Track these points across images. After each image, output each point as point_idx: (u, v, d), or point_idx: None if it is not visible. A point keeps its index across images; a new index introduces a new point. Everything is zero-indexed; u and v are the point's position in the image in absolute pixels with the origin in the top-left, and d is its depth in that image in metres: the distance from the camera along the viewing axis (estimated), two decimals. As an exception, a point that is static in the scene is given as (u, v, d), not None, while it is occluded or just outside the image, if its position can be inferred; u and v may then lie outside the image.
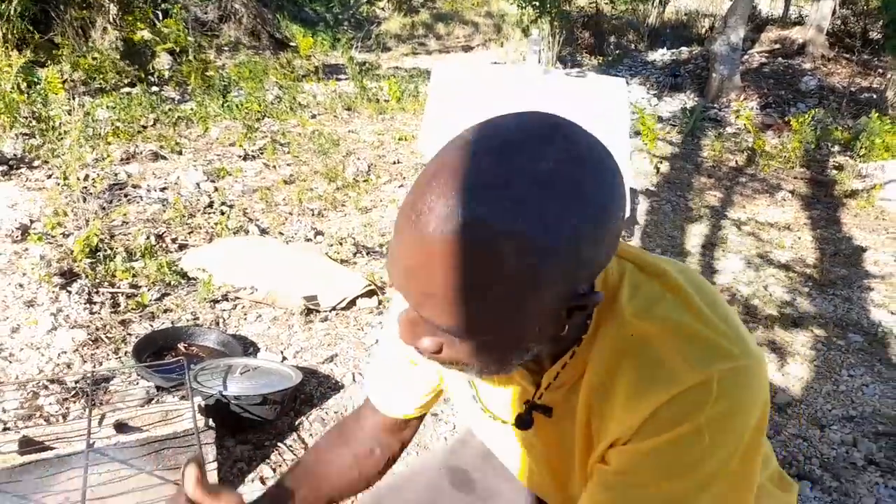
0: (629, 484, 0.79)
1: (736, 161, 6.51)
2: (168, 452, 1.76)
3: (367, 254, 3.65)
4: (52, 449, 1.68)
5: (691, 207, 5.16)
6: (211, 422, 1.83)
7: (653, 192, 5.36)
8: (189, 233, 3.67)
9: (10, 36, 5.55)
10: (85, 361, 2.45)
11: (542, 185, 0.64)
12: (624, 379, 0.79)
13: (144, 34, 7.18)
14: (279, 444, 2.13)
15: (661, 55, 10.66)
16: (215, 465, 1.81)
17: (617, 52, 11.22)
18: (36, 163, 4.36)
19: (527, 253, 0.64)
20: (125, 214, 3.66)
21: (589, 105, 3.88)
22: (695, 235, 4.59)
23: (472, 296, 0.66)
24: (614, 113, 3.93)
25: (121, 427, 1.78)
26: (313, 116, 6.42)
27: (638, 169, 5.60)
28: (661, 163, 5.64)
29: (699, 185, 5.72)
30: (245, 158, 4.96)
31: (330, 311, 3.02)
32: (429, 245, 0.65)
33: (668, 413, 0.75)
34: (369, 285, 3.16)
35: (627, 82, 7.03)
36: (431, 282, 0.67)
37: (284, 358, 2.65)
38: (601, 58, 11.01)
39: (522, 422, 0.94)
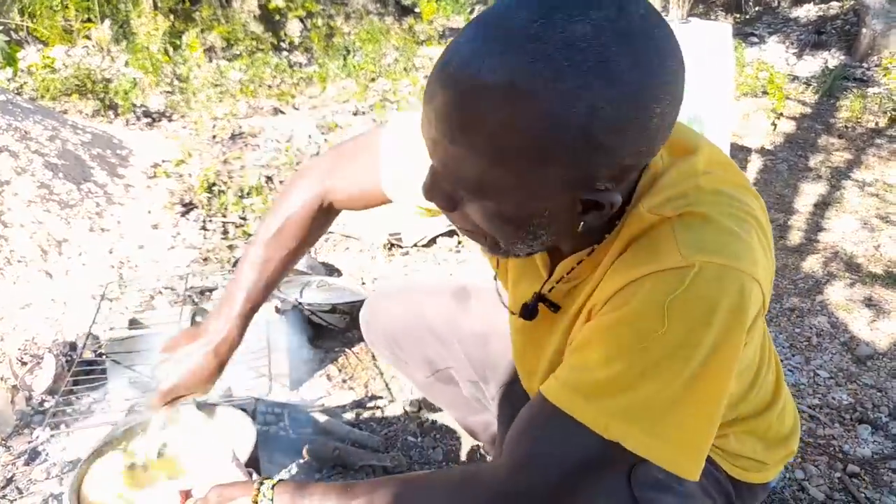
0: (576, 366, 0.78)
1: (876, 122, 5.97)
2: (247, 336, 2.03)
3: (456, 199, 3.81)
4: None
5: (811, 167, 4.84)
6: (283, 318, 2.08)
7: (768, 150, 5.08)
8: (297, 176, 4.00)
9: (160, 4, 6.18)
10: (195, 275, 2.81)
11: (569, 48, 0.59)
12: (617, 263, 0.78)
13: (279, 2, 7.70)
14: (346, 350, 2.36)
15: (805, 11, 9.84)
16: (286, 353, 2.06)
17: (757, 8, 10.47)
18: (174, 116, 4.90)
19: (537, 115, 0.62)
20: (241, 158, 4.05)
21: (691, 50, 3.77)
22: (808, 195, 4.33)
23: (482, 149, 0.65)
24: (717, 58, 3.79)
25: (207, 317, 2.07)
26: (426, 77, 6.62)
27: (755, 127, 5.32)
28: (778, 119, 5.31)
29: (825, 145, 5.33)
30: (356, 114, 5.26)
31: (411, 247, 3.22)
32: (449, 87, 0.64)
33: (636, 288, 0.74)
34: (451, 225, 3.31)
35: (764, 40, 6.61)
36: (447, 125, 0.66)
37: (364, 283, 2.88)
38: (737, 15, 10.34)
39: (527, 311, 0.95)
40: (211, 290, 2.71)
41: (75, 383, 1.74)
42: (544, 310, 0.93)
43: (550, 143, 0.63)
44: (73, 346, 2.20)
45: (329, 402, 2.05)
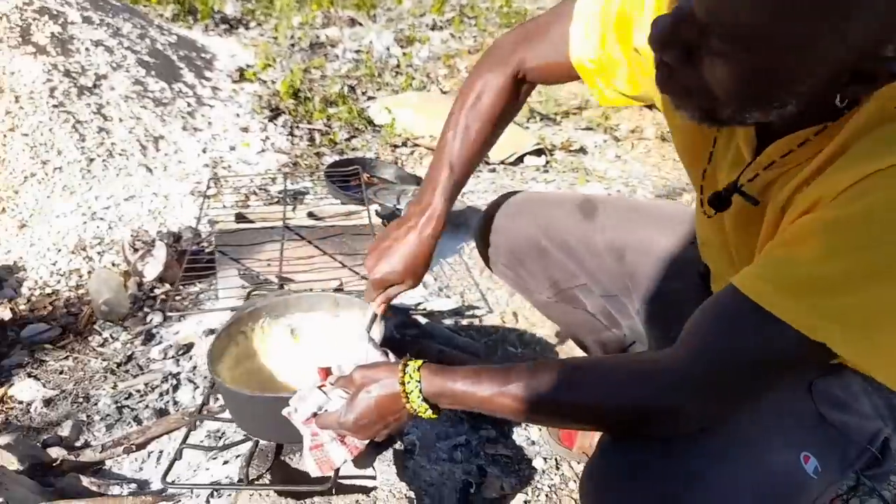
0: (784, 261, 0.72)
1: None
2: (348, 241, 2.03)
3: (540, 119, 3.71)
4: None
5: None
6: (387, 222, 2.07)
7: None
8: (377, 89, 3.94)
9: None
10: (286, 178, 2.82)
11: None
12: (853, 152, 0.70)
13: None
14: (442, 259, 2.35)
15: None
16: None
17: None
18: (251, 24, 4.84)
19: None
20: (322, 67, 4.00)
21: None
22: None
23: None
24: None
25: (311, 216, 2.07)
26: (503, -6, 6.37)
27: None
28: None
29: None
30: (433, 28, 5.11)
31: (498, 164, 3.16)
32: None
33: (875, 183, 0.66)
34: (539, 144, 3.23)
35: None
36: None
37: (453, 196, 2.85)
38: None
39: (719, 201, 0.87)
40: (303, 195, 2.72)
41: (186, 272, 1.77)
42: (739, 201, 0.86)
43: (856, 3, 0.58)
44: (177, 238, 2.24)
45: (427, 308, 2.05)
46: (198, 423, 1.46)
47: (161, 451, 1.47)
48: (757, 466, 0.80)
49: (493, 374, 0.87)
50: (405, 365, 0.92)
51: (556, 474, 1.53)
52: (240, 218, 2.03)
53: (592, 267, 1.28)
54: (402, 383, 0.91)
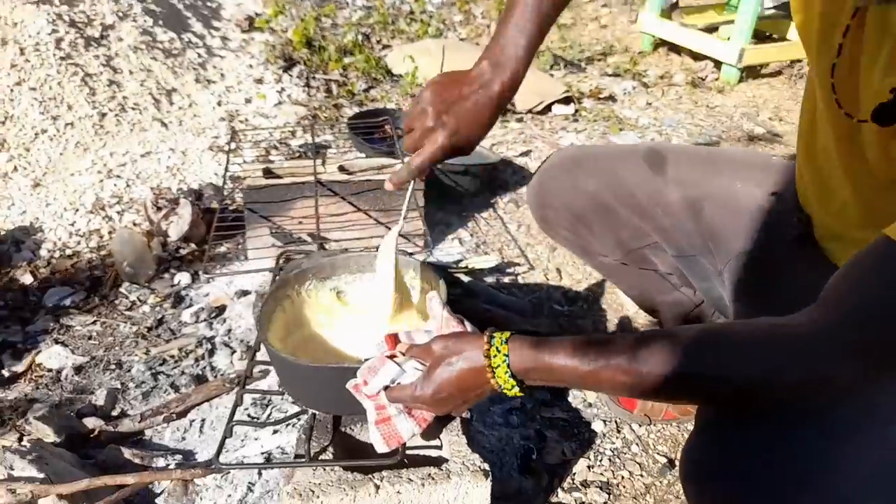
0: None
1: None
2: (383, 196, 1.92)
3: (564, 66, 3.55)
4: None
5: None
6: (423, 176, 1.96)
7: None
8: (392, 37, 3.76)
9: None
10: (305, 132, 2.69)
11: None
12: None
13: None
14: (476, 215, 2.25)
15: None
16: (418, 214, 1.95)
17: None
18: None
19: None
20: (333, 14, 3.81)
21: None
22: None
23: None
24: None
25: (342, 170, 1.95)
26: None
27: None
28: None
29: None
30: (445, -26, 4.89)
31: (525, 113, 3.02)
32: None
33: None
34: (567, 91, 3.09)
35: None
36: None
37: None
38: None
39: (885, 113, 0.73)
40: (325, 148, 2.60)
41: (212, 230, 1.66)
42: None
43: None
44: (198, 195, 2.14)
45: (469, 265, 1.96)
46: (244, 396, 1.37)
47: (203, 420, 1.39)
48: (886, 442, 0.71)
49: (596, 347, 0.77)
50: (490, 336, 0.83)
51: (617, 437, 1.45)
52: (268, 173, 1.91)
53: (665, 225, 1.17)
54: (488, 356, 0.82)
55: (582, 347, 0.77)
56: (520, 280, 1.96)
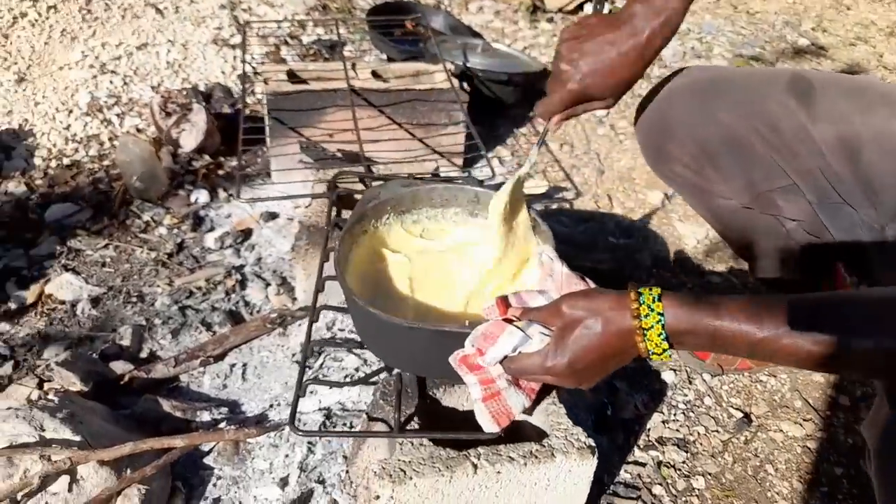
0: None
1: None
2: (422, 108, 1.71)
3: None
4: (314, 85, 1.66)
5: None
6: (466, 85, 1.74)
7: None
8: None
9: None
10: (316, 25, 2.41)
11: None
12: None
13: None
14: (514, 129, 2.05)
15: None
16: (463, 126, 1.75)
17: None
18: None
19: None
20: None
21: None
22: None
23: None
24: None
25: (376, 76, 1.73)
26: None
27: None
28: None
29: None
30: None
31: (556, 13, 2.75)
32: None
33: None
34: (602, -10, 2.81)
35: None
36: None
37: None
38: None
39: None
40: (342, 45, 2.32)
41: (239, 143, 1.44)
42: None
43: None
44: (206, 97, 1.89)
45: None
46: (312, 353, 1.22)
47: (245, 365, 1.25)
48: None
49: (767, 310, 0.66)
50: (638, 293, 0.71)
51: (689, 389, 1.36)
52: (292, 77, 1.68)
53: (809, 166, 1.00)
54: (638, 316, 0.70)
55: (752, 310, 0.67)
56: (568, 207, 1.80)
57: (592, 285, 0.86)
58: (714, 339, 0.69)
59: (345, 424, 1.12)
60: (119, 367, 1.20)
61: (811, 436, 1.28)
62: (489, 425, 0.83)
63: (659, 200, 1.84)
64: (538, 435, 0.95)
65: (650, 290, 0.71)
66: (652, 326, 0.69)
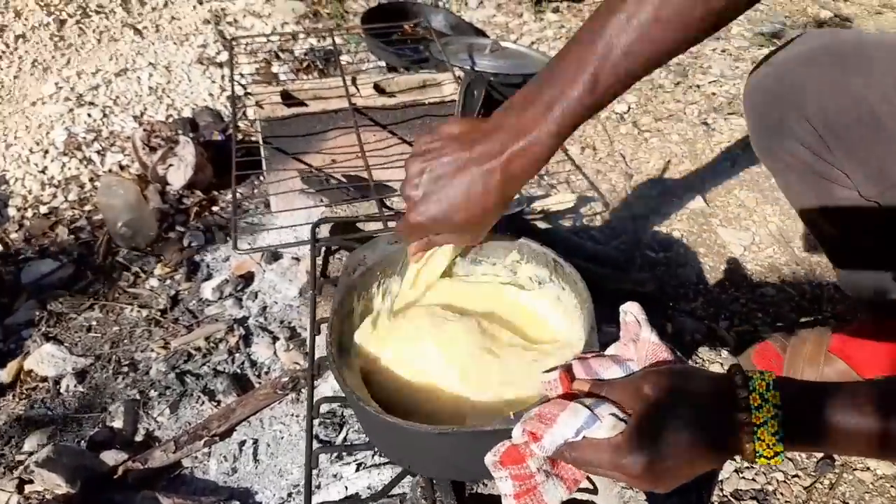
0: None
1: None
2: (431, 125, 1.54)
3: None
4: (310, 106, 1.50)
5: None
6: (477, 92, 1.57)
7: None
8: None
9: None
10: (308, 35, 2.23)
11: None
12: None
13: None
14: (532, 136, 1.88)
15: None
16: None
17: None
18: None
19: None
20: None
21: None
22: None
23: None
24: None
25: (379, 90, 1.56)
26: None
27: None
28: None
29: None
30: None
31: (561, 2, 2.57)
32: None
33: None
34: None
35: None
36: None
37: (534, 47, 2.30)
38: None
39: None
40: (337, 55, 2.15)
41: (233, 178, 1.26)
42: None
43: None
44: (193, 125, 1.73)
45: (545, 207, 1.61)
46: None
47: (255, 442, 1.09)
48: None
49: (881, 398, 0.53)
50: (746, 378, 0.55)
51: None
52: (287, 98, 1.51)
53: None
54: (747, 408, 0.54)
55: (860, 397, 0.54)
56: (598, 220, 1.64)
57: (683, 360, 0.69)
58: (823, 435, 0.54)
59: (377, 514, 0.96)
60: (111, 457, 1.04)
61: (907, 477, 1.12)
62: None
63: (697, 204, 1.67)
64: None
65: (763, 374, 0.55)
66: (766, 422, 0.53)
